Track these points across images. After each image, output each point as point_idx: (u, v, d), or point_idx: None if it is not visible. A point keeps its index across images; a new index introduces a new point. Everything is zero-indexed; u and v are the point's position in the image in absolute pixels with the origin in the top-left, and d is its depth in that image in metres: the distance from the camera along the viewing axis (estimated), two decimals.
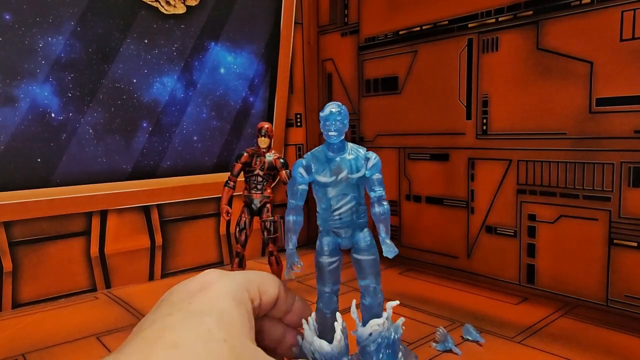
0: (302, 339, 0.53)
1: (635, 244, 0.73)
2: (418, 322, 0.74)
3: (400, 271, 1.00)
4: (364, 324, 0.57)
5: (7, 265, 0.83)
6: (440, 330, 0.66)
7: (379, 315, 0.57)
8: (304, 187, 0.57)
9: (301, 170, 0.56)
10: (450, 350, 0.63)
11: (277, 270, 0.83)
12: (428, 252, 1.02)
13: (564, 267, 0.81)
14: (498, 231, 0.89)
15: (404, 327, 0.57)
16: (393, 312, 0.56)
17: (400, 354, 0.57)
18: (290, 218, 0.57)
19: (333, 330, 0.56)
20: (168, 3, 0.95)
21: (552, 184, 0.81)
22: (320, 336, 0.55)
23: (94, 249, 0.91)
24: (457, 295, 0.85)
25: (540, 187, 0.83)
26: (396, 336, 0.56)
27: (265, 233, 0.83)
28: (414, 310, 0.78)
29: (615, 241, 0.75)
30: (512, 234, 0.87)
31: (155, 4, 0.94)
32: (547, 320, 0.73)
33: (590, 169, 0.76)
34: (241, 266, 0.84)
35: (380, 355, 0.56)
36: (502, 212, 0.88)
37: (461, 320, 0.73)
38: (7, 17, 0.79)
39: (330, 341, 0.55)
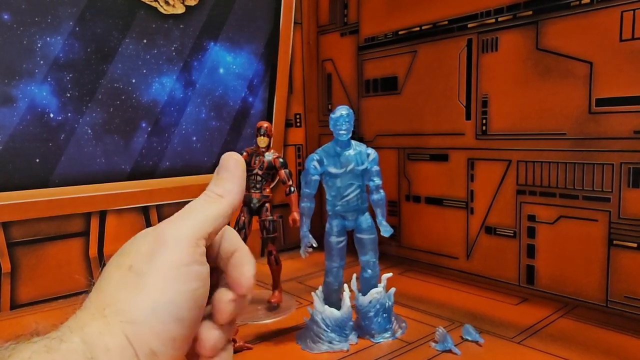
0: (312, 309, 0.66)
1: (634, 245, 0.73)
2: (417, 322, 0.73)
3: (400, 271, 0.99)
4: (364, 293, 0.68)
5: (6, 266, 0.83)
6: (440, 330, 0.66)
7: (376, 286, 0.69)
8: (317, 177, 0.68)
9: (314, 163, 0.67)
10: (449, 351, 0.63)
11: (276, 270, 0.83)
12: (428, 253, 1.02)
13: (564, 267, 0.81)
14: (498, 232, 0.89)
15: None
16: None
17: (393, 317, 0.70)
18: (305, 205, 0.69)
19: (338, 300, 0.68)
20: (167, 3, 0.95)
21: (551, 185, 0.81)
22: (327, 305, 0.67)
23: (93, 250, 0.91)
24: (456, 296, 0.85)
25: (539, 187, 0.83)
26: (390, 303, 0.69)
27: (264, 232, 0.82)
28: (413, 310, 0.78)
29: (614, 242, 0.75)
30: (512, 234, 0.87)
31: (154, 4, 0.93)
32: (546, 321, 0.73)
33: (589, 170, 0.76)
34: None
35: (378, 319, 0.67)
36: (502, 212, 0.88)
37: (461, 320, 0.73)
38: (6, 17, 0.79)
39: (337, 309, 0.66)
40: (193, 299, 0.28)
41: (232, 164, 0.33)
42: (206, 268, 0.30)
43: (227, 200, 0.32)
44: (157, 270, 0.27)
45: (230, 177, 0.33)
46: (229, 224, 0.34)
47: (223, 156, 0.34)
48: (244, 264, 0.32)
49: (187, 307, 0.28)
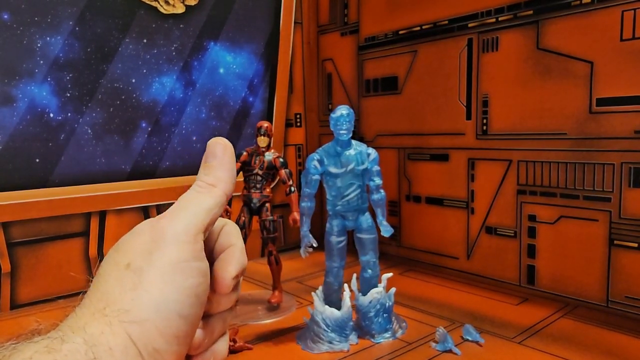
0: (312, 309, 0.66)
1: (635, 245, 0.73)
2: (418, 322, 0.73)
3: (400, 272, 0.99)
4: (364, 294, 0.68)
5: (6, 266, 0.82)
6: (440, 330, 0.66)
7: (377, 286, 0.69)
8: (317, 177, 0.68)
9: (315, 162, 0.67)
10: (450, 351, 0.63)
11: (276, 270, 0.83)
12: (428, 253, 1.02)
13: (564, 267, 0.81)
14: (498, 232, 0.89)
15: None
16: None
17: (393, 317, 0.70)
18: (305, 204, 0.68)
19: (339, 300, 0.68)
20: (167, 3, 0.95)
21: (552, 185, 0.81)
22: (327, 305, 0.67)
23: (93, 250, 0.91)
24: (457, 296, 0.85)
25: (540, 187, 0.82)
26: (390, 303, 0.69)
27: (265, 232, 0.82)
28: (413, 310, 0.78)
29: (615, 242, 0.75)
30: (512, 234, 0.87)
31: (154, 4, 0.93)
32: (547, 321, 0.73)
33: (590, 170, 0.76)
34: None
35: (379, 319, 0.68)
36: (502, 212, 0.88)
37: (461, 320, 0.73)
38: (6, 16, 0.78)
39: (337, 309, 0.66)
40: (195, 295, 0.28)
41: (220, 149, 0.31)
42: (205, 264, 0.29)
43: (220, 188, 0.31)
44: (156, 268, 0.27)
45: (219, 163, 0.31)
46: (230, 219, 0.33)
47: (209, 142, 0.32)
48: (231, 263, 0.30)
49: (189, 303, 0.27)
